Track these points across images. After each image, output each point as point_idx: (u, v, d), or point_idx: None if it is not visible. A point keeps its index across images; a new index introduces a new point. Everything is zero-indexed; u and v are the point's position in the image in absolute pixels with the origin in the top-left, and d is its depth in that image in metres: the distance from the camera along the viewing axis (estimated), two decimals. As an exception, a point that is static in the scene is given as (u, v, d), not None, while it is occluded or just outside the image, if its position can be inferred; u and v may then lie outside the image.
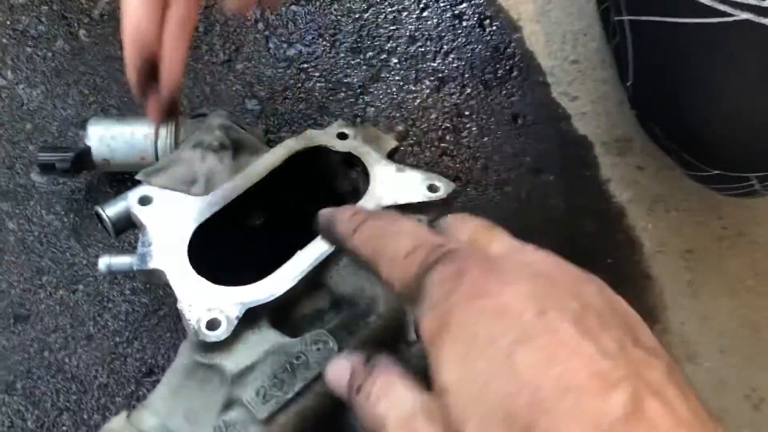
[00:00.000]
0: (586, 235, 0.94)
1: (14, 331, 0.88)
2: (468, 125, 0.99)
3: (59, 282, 0.91)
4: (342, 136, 0.82)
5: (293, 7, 1.06)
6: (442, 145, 0.97)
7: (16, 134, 0.97)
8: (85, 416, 0.85)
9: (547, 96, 1.01)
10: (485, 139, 0.97)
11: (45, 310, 0.90)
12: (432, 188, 0.77)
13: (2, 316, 0.89)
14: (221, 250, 0.77)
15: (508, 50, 1.03)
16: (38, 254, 0.92)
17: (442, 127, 0.99)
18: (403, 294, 0.46)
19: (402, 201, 0.75)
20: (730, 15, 0.69)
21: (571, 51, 1.04)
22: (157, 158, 0.88)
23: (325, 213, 0.60)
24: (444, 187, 0.77)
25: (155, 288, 0.90)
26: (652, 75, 0.81)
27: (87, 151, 0.87)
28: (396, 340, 0.71)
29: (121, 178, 0.94)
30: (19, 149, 0.96)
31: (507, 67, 1.02)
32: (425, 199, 0.76)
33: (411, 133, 0.96)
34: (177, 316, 0.88)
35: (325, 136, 0.82)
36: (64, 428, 0.85)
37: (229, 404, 0.63)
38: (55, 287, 0.90)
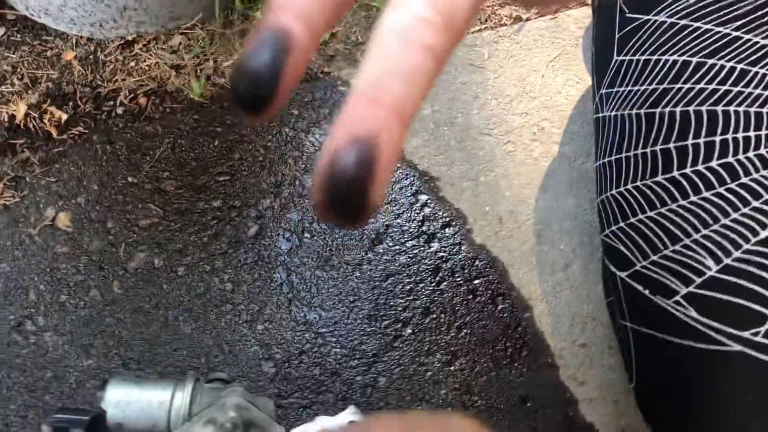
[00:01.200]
0: None
1: None
2: (477, 403, 1.00)
3: None
4: (353, 425, 0.83)
5: (317, 272, 1.12)
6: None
7: (35, 382, 1.00)
8: None
9: (556, 379, 1.03)
10: (494, 419, 0.98)
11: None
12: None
13: None
14: None
15: (519, 329, 1.07)
16: None
17: (452, 404, 1.00)
18: None
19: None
20: (726, 345, 0.73)
21: (580, 334, 1.08)
22: (169, 428, 0.89)
23: None
24: None
25: None
26: (654, 384, 0.83)
27: (102, 416, 0.89)
28: None
29: None
30: (35, 398, 0.98)
31: (517, 346, 1.06)
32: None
33: (420, 408, 0.97)
34: None
35: (335, 423, 0.83)
36: None
37: None
38: None
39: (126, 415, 0.91)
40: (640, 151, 0.87)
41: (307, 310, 1.09)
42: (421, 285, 1.12)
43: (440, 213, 1.17)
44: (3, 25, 1.28)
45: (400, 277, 1.13)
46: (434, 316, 1.09)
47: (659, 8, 0.89)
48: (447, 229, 1.16)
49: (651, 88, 0.87)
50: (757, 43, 0.80)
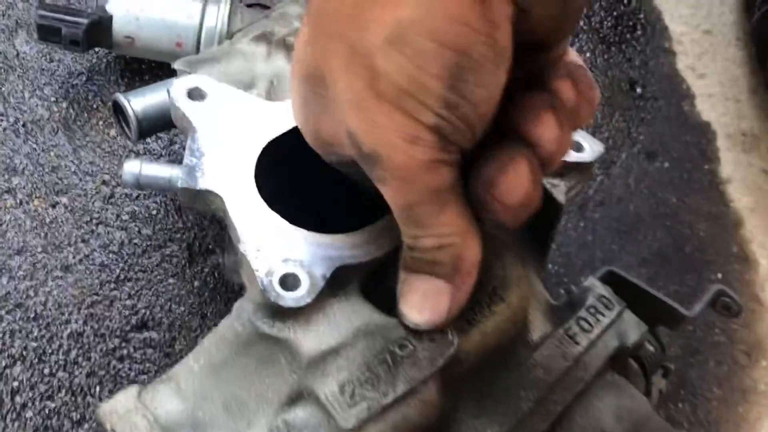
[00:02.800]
0: (696, 239, 0.78)
1: (-36, 243, 0.65)
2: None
3: (35, 188, 0.68)
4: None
5: None
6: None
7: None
8: (46, 371, 0.64)
9: (671, 67, 0.84)
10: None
11: (10, 222, 0.67)
12: (576, 147, 0.58)
13: (-50, 221, 0.66)
14: (289, 180, 0.57)
15: (633, 3, 0.85)
16: (11, 147, 0.69)
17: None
18: None
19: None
20: None
21: (704, 19, 0.87)
22: (198, 48, 0.66)
23: None
24: (590, 148, 0.58)
25: (164, 217, 0.68)
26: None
27: (107, 20, 0.64)
28: (517, 339, 0.52)
29: (139, 67, 0.72)
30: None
31: (630, 24, 0.85)
32: (567, 159, 0.57)
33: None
34: (189, 259, 0.67)
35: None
36: (15, 383, 0.63)
37: (296, 398, 0.44)
38: (28, 194, 0.68)
39: (140, 24, 0.67)
40: None
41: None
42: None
43: None
44: None
45: None
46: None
47: None
48: None
49: None
50: None
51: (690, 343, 0.76)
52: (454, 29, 0.30)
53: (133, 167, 0.51)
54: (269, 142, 0.52)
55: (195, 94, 0.52)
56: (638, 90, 0.82)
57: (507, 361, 0.52)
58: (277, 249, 0.45)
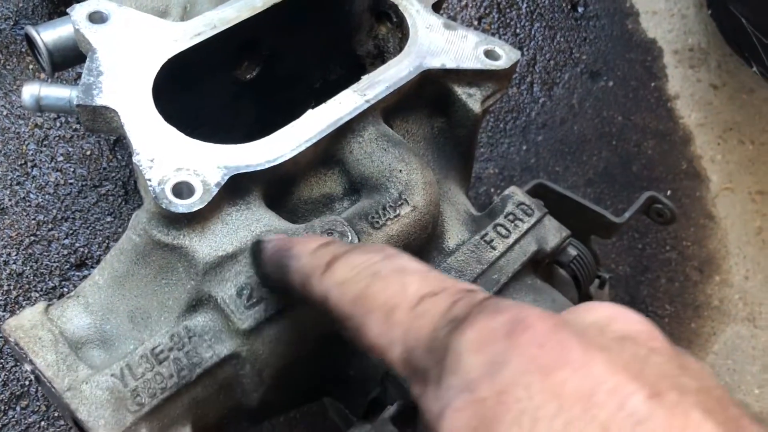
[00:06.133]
0: (645, 157, 0.77)
1: None
2: (517, 2, 0.79)
3: (-34, 133, 0.69)
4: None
5: None
6: (483, 25, 0.78)
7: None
8: (-12, 312, 0.64)
9: (614, -17, 0.83)
10: (536, 25, 0.78)
11: (-56, 168, 0.68)
12: (491, 54, 0.58)
13: None
14: (196, 102, 0.57)
15: None
16: (-60, 93, 0.69)
17: (485, 2, 0.79)
18: (410, 364, 0.29)
19: (451, 65, 0.56)
20: None
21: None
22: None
23: (274, 243, 0.40)
24: (506, 55, 0.58)
25: (98, 157, 0.68)
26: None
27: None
28: (428, 244, 0.52)
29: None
30: None
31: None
32: (482, 67, 0.57)
33: (446, 3, 0.76)
34: (125, 197, 0.67)
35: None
36: (-43, 325, 0.64)
37: (196, 304, 0.45)
38: (-41, 139, 0.68)
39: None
40: None
41: None
42: None
43: None
44: None
45: None
46: None
47: None
48: None
49: None
50: None
51: (640, 261, 0.76)
52: None
53: (32, 90, 0.51)
54: (172, 60, 0.51)
55: (96, 18, 0.52)
56: (579, 9, 0.81)
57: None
58: (171, 159, 0.45)
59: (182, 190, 0.44)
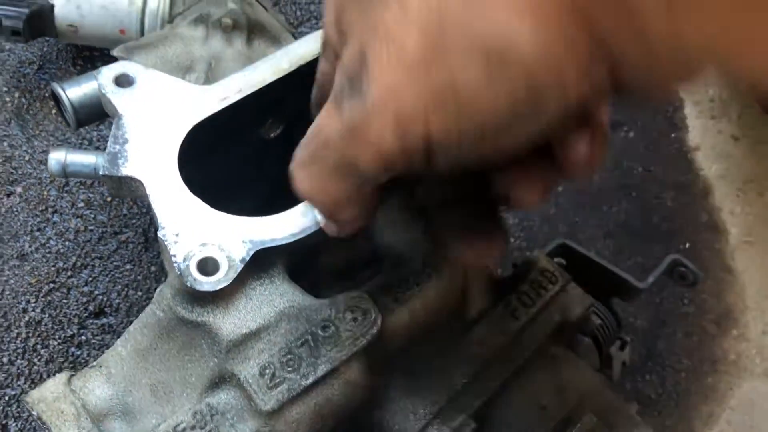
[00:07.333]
0: (665, 209, 0.77)
1: None
2: None
3: (-11, 179, 0.69)
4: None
5: None
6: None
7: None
8: (5, 359, 0.65)
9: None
10: None
11: (-34, 213, 0.68)
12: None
13: None
14: (219, 165, 0.57)
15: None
16: (-35, 138, 0.69)
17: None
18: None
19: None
20: None
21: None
22: (142, 34, 0.66)
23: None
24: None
25: (119, 204, 0.69)
26: None
27: (48, 9, 0.64)
28: (452, 315, 0.52)
29: (90, 54, 0.72)
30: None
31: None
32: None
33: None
34: (145, 244, 0.67)
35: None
36: (-26, 372, 0.64)
37: (219, 381, 0.44)
38: (-18, 185, 0.69)
39: (82, 13, 0.67)
40: None
41: None
42: None
43: None
44: None
45: None
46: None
47: None
48: None
49: None
50: None
51: (658, 315, 0.75)
52: None
53: (58, 156, 0.51)
54: (197, 125, 0.51)
55: (122, 81, 0.52)
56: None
57: (442, 338, 0.51)
58: (196, 233, 0.45)
59: (207, 266, 0.44)
